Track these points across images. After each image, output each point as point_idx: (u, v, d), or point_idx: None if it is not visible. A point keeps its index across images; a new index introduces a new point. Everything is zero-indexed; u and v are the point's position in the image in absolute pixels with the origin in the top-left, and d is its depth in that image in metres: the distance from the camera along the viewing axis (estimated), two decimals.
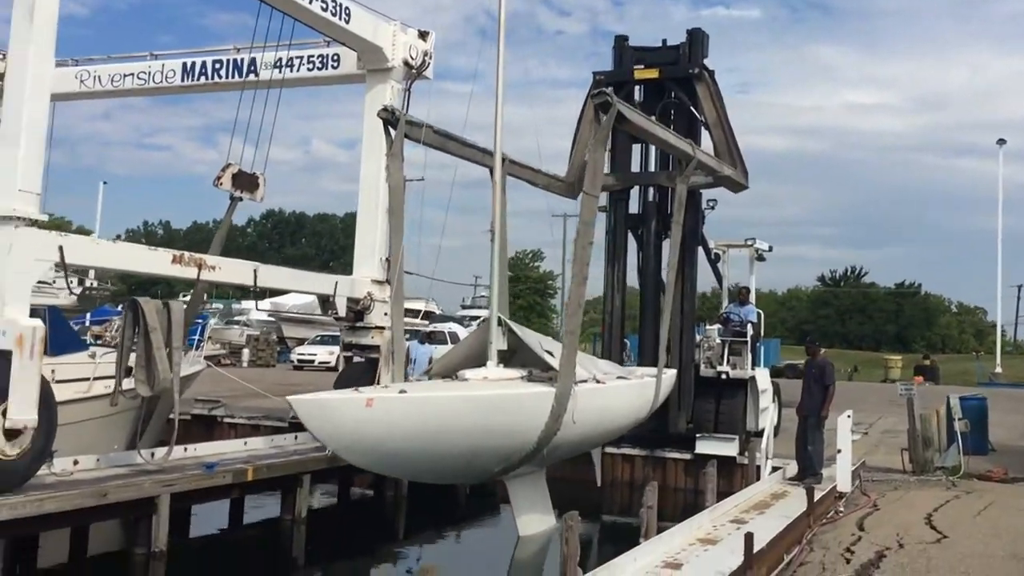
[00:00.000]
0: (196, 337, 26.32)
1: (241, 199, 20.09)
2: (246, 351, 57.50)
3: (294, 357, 52.67)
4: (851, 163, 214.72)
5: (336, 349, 36.35)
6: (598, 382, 17.09)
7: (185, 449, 18.88)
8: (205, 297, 71.75)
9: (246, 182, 19.79)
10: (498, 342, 16.60)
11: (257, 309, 51.96)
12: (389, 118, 16.92)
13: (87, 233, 74.77)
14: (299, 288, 25.61)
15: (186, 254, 17.07)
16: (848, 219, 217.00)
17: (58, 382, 19.66)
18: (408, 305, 67.72)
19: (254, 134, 19.29)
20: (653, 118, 19.03)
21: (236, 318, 71.32)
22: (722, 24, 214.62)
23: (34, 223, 14.03)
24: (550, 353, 16.50)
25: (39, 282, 16.17)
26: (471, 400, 14.58)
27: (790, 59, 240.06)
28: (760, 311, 24.80)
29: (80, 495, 14.19)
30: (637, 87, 23.76)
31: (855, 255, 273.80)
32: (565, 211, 68.14)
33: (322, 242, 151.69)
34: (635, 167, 23.83)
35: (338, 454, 14.38)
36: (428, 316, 72.03)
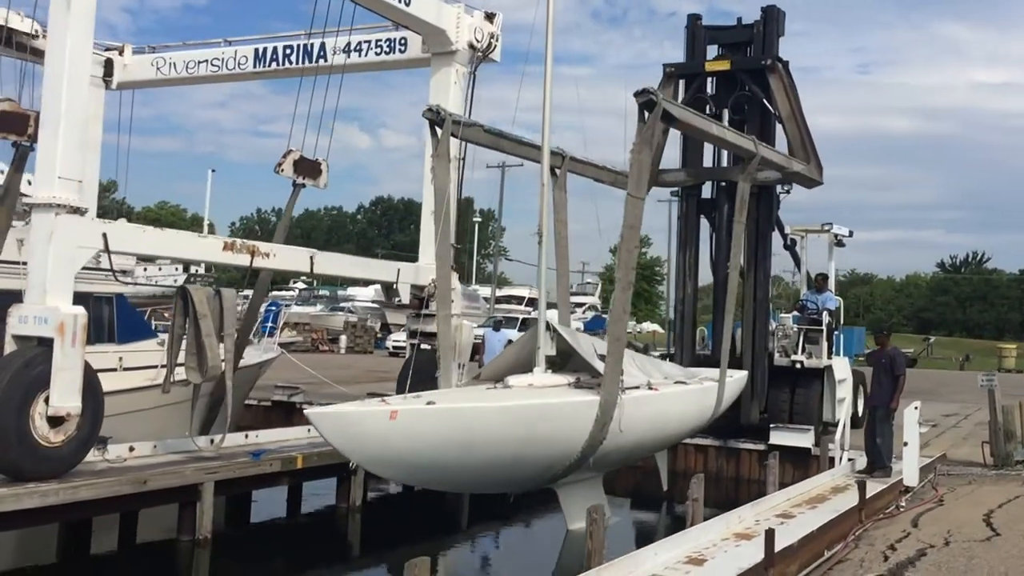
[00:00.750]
0: (270, 324, 26.53)
1: (304, 186, 20.05)
2: (343, 338, 57.95)
3: (389, 344, 52.96)
4: (977, 145, 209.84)
5: None
6: (651, 388, 16.44)
7: (246, 436, 18.97)
8: (313, 284, 72.67)
9: (308, 168, 19.73)
10: (546, 347, 15.93)
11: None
12: (434, 118, 16.19)
13: (199, 221, 76.21)
14: (360, 276, 25.52)
15: (238, 241, 17.02)
16: (973, 203, 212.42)
17: (126, 369, 20.03)
18: (513, 292, 68.34)
19: (328, 120, 19.23)
20: (702, 115, 17.95)
21: (341, 305, 72.08)
22: (843, 2, 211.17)
23: (75, 210, 14.07)
24: (603, 358, 15.95)
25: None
26: (503, 411, 13.95)
27: (916, 38, 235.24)
28: (839, 298, 24.14)
29: (117, 482, 14.21)
30: (709, 79, 23.22)
31: (979, 240, 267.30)
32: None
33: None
34: (708, 160, 23.31)
35: (362, 467, 13.84)
36: (533, 303, 72.11)
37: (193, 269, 48.68)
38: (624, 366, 16.79)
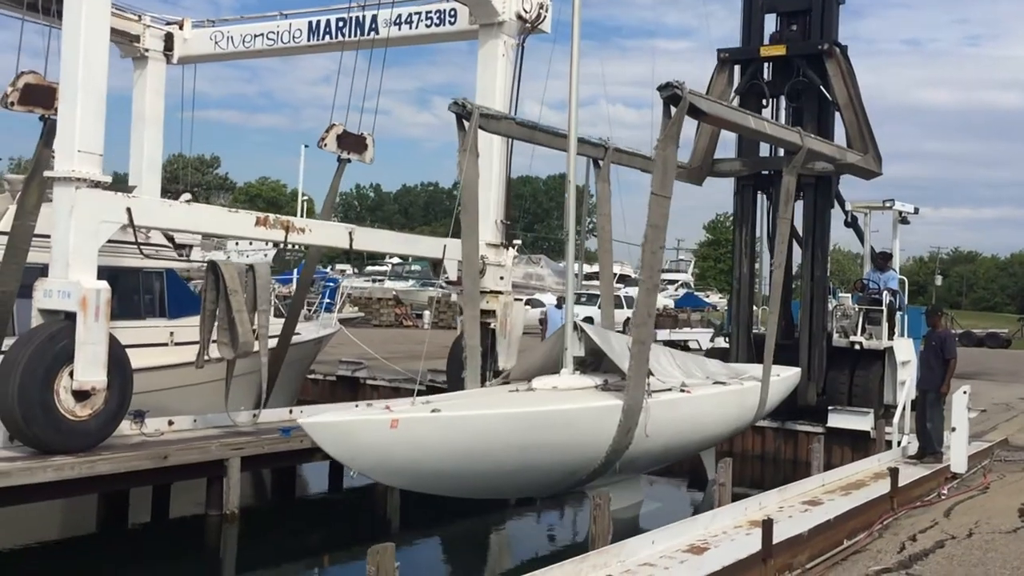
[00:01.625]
0: (326, 300, 26.55)
1: (349, 160, 19.90)
2: (427, 313, 57.99)
3: None
4: None
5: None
6: (684, 390, 15.86)
7: (290, 412, 18.94)
8: (407, 259, 72.61)
9: (353, 143, 19.58)
10: (574, 348, 15.39)
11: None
12: (460, 112, 15.42)
13: (294, 196, 76.75)
14: (404, 251, 25.37)
15: (271, 216, 16.92)
16: None
17: (177, 344, 20.09)
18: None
19: (372, 95, 19.07)
20: (735, 107, 17.36)
21: (433, 280, 72.15)
22: None
23: (96, 184, 14.05)
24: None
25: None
26: (510, 418, 13.40)
27: (1020, 10, 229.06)
28: (903, 278, 23.37)
29: (136, 457, 14.23)
30: (765, 64, 22.60)
31: None
32: None
33: (525, 204, 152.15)
34: (765, 147, 22.63)
35: (364, 475, 13.34)
36: (623, 279, 71.59)
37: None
38: (661, 365, 16.37)
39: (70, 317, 13.89)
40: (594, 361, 15.91)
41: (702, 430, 16.63)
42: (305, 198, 68.89)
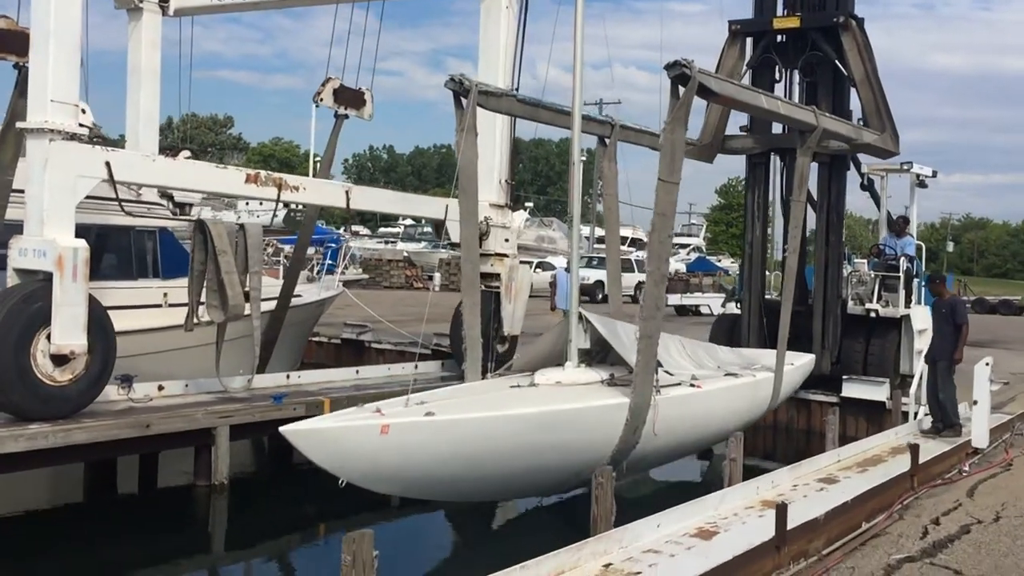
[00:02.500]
0: (328, 262, 25.89)
1: (347, 116, 19.18)
2: (437, 275, 57.41)
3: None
4: None
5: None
6: (694, 383, 15.05)
7: (287, 376, 18.42)
8: (421, 221, 72.06)
9: (350, 98, 18.87)
10: (579, 340, 14.54)
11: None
12: (458, 88, 14.23)
13: (307, 157, 76.13)
14: (404, 212, 24.61)
15: (263, 173, 16.18)
16: None
17: (171, 306, 19.40)
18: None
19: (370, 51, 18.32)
20: (747, 87, 16.33)
21: (444, 243, 71.41)
22: None
23: (72, 137, 13.31)
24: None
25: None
26: (514, 420, 12.52)
27: None
28: (920, 243, 22.55)
29: (116, 426, 13.58)
30: (778, 37, 21.63)
31: None
32: None
33: (538, 167, 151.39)
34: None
35: (354, 484, 12.37)
36: (635, 243, 70.92)
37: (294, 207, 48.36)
38: (671, 356, 15.68)
39: (48, 278, 13.21)
40: (601, 352, 15.11)
41: (713, 426, 15.66)
42: (318, 159, 68.26)
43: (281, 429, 11.28)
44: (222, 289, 15.46)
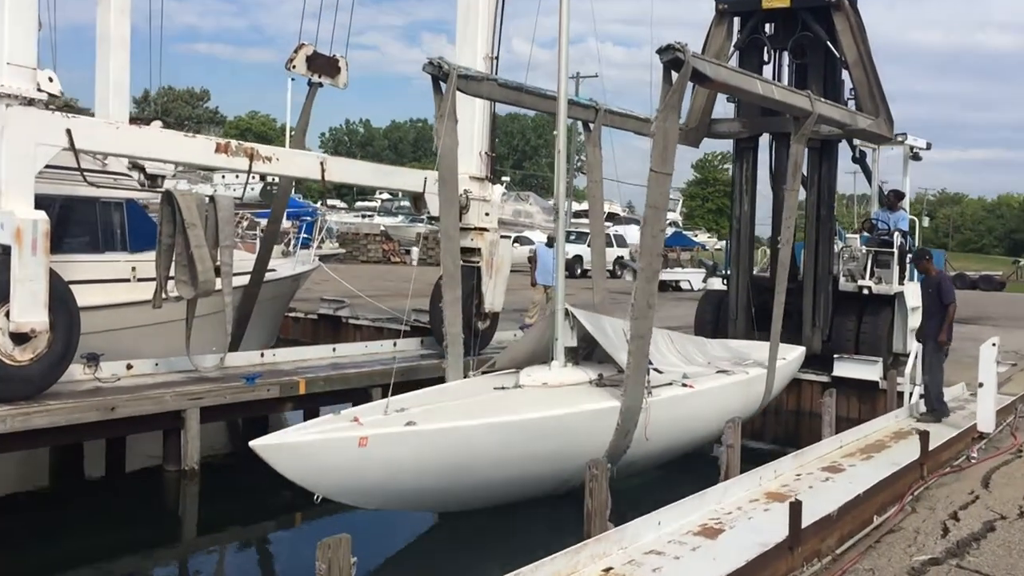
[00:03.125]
0: (303, 235, 25.11)
1: (321, 84, 18.38)
2: (415, 249, 56.72)
3: None
4: None
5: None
6: (686, 382, 14.47)
7: (262, 355, 17.72)
8: (398, 195, 71.09)
9: (324, 65, 18.07)
10: (566, 338, 13.93)
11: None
12: (436, 73, 13.55)
13: (284, 130, 75.22)
14: (381, 184, 23.80)
15: (233, 143, 15.34)
16: None
17: (140, 280, 18.61)
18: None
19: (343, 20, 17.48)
20: (742, 71, 15.28)
21: (422, 216, 70.66)
22: None
23: (31, 102, 12.49)
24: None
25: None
26: (498, 428, 11.81)
27: None
28: (914, 218, 21.92)
29: (80, 408, 12.82)
30: (768, 17, 20.89)
31: None
32: None
33: (514, 142, 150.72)
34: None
35: (331, 499, 11.51)
36: (612, 218, 70.27)
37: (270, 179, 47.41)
38: (661, 353, 15.11)
39: (7, 251, 12.44)
40: (587, 347, 14.47)
41: (706, 427, 14.96)
42: (293, 132, 67.19)
43: (251, 444, 10.43)
44: (191, 264, 14.75)
